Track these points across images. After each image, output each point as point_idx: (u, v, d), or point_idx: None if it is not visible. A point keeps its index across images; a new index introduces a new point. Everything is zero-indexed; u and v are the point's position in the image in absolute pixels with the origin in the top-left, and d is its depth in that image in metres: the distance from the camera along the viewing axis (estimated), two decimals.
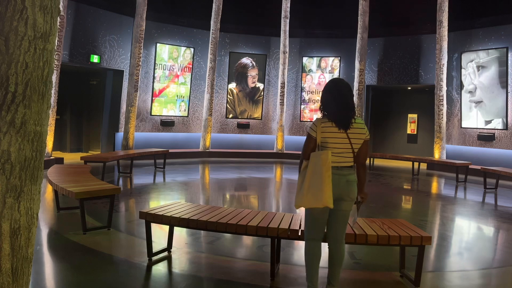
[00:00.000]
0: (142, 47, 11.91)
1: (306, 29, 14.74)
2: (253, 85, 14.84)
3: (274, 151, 14.18)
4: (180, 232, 4.77)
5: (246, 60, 14.71)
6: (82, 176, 5.53)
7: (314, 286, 2.97)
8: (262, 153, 14.01)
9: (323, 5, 14.22)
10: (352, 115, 2.97)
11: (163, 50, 13.24)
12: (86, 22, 11.46)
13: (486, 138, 11.88)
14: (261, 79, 14.85)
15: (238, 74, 14.70)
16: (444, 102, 12.13)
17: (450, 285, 3.58)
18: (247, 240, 4.65)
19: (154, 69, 13.07)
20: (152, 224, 3.87)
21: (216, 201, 7.22)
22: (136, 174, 9.49)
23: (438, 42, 12.05)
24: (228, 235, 4.68)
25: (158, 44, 13.10)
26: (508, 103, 11.37)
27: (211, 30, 13.13)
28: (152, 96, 13.09)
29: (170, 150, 11.62)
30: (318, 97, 14.46)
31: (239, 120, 14.77)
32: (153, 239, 3.94)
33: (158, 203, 6.68)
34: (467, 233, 5.74)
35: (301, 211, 3.92)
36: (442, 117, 12.11)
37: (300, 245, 4.37)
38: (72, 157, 11.45)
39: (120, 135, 12.38)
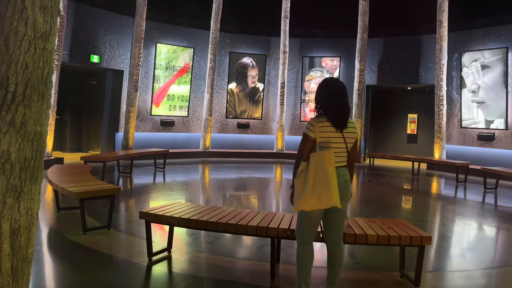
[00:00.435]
0: (142, 47, 11.91)
1: (306, 29, 14.73)
2: (253, 85, 14.83)
3: (274, 151, 14.18)
4: (180, 232, 4.77)
5: (246, 60, 14.71)
6: (82, 176, 5.53)
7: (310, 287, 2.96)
8: (262, 153, 14.00)
9: (323, 5, 14.20)
10: (348, 115, 2.98)
11: (163, 50, 13.25)
12: (86, 22, 11.46)
13: (486, 138, 11.87)
14: (261, 79, 14.84)
15: (238, 74, 14.70)
16: (444, 102, 12.12)
17: (450, 285, 3.58)
18: (247, 240, 4.65)
19: (154, 69, 13.07)
20: (152, 224, 3.87)
21: (216, 201, 7.22)
22: (136, 174, 9.49)
23: (438, 42, 12.05)
24: (228, 235, 4.68)
25: (158, 44, 13.11)
26: (508, 103, 11.37)
27: (211, 30, 13.13)
28: (152, 96, 13.10)
29: (170, 150, 11.62)
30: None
31: (239, 120, 14.77)
32: (153, 239, 3.94)
33: (158, 203, 6.67)
34: (467, 233, 5.74)
35: None
36: (442, 117, 12.11)
37: None
38: (72, 157, 11.45)
39: (120, 135, 12.38)
